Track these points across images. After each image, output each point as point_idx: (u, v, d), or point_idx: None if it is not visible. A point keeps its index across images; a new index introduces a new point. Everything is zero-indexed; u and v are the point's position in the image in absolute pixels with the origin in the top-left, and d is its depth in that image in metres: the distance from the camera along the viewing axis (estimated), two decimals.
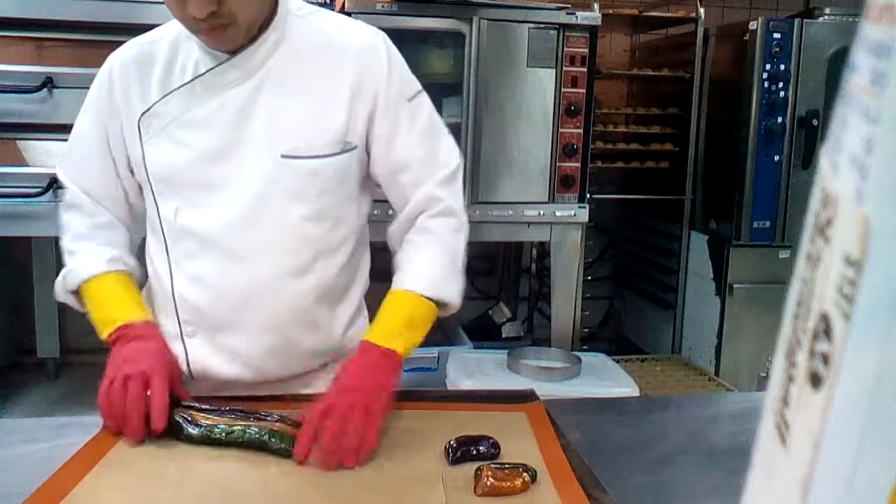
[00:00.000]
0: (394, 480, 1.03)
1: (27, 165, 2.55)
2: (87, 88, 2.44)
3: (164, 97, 1.21)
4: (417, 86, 1.28)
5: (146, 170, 1.24)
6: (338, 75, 1.21)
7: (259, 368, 1.28)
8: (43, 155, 2.57)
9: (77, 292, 1.26)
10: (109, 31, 2.48)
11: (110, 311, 1.22)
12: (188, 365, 1.28)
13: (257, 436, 1.08)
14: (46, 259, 3.22)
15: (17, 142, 2.55)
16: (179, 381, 1.20)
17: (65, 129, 2.49)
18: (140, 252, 1.35)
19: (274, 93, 1.19)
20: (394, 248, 1.32)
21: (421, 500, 0.99)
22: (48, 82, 2.43)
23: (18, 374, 3.21)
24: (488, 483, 0.97)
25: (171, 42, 1.23)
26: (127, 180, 1.29)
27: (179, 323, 1.27)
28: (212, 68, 1.19)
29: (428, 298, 1.22)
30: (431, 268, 1.25)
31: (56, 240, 3.22)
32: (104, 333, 1.20)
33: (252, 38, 1.17)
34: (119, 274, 1.26)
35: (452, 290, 1.25)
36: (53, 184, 2.47)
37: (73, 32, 2.51)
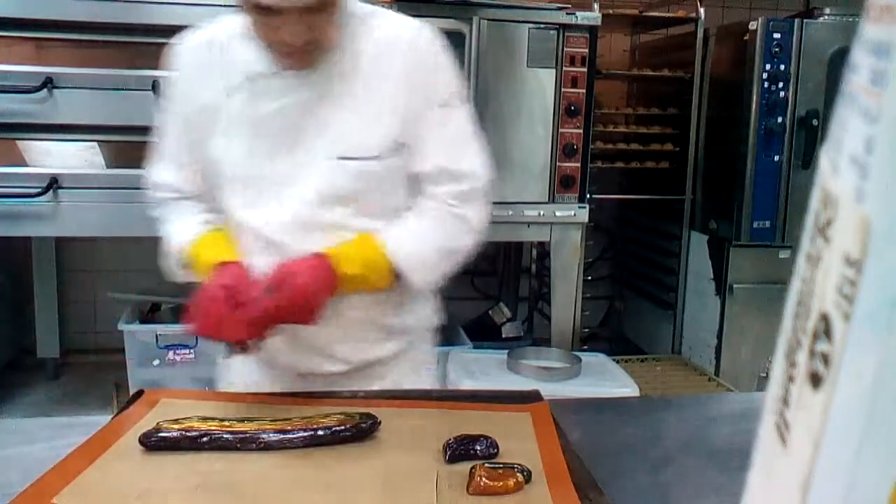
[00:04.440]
0: (388, 475, 1.04)
1: (27, 165, 2.55)
2: (88, 88, 2.46)
3: (228, 95, 1.24)
4: (459, 91, 1.29)
5: (209, 163, 1.29)
6: (391, 75, 1.23)
7: (333, 357, 1.32)
8: (43, 155, 2.57)
9: (189, 266, 1.30)
10: (109, 31, 2.48)
11: (203, 261, 1.26)
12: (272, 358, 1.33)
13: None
14: (46, 259, 3.23)
15: (17, 142, 2.55)
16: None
17: (65, 129, 2.52)
18: None
19: (332, 98, 1.22)
20: None
21: (412, 497, 0.99)
22: (48, 82, 2.43)
23: (18, 374, 3.20)
24: (481, 483, 0.97)
25: (228, 37, 1.26)
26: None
27: None
28: (275, 72, 1.22)
29: (396, 267, 1.24)
30: (419, 248, 1.26)
31: (56, 240, 3.20)
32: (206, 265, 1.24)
33: None
34: (209, 232, 1.30)
35: (420, 278, 1.27)
36: (53, 183, 2.47)
37: (73, 32, 2.50)
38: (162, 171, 1.36)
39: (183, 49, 1.30)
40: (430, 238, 1.27)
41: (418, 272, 1.26)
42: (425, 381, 1.44)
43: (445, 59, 1.27)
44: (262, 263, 1.25)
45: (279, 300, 1.14)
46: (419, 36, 1.25)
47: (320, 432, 1.11)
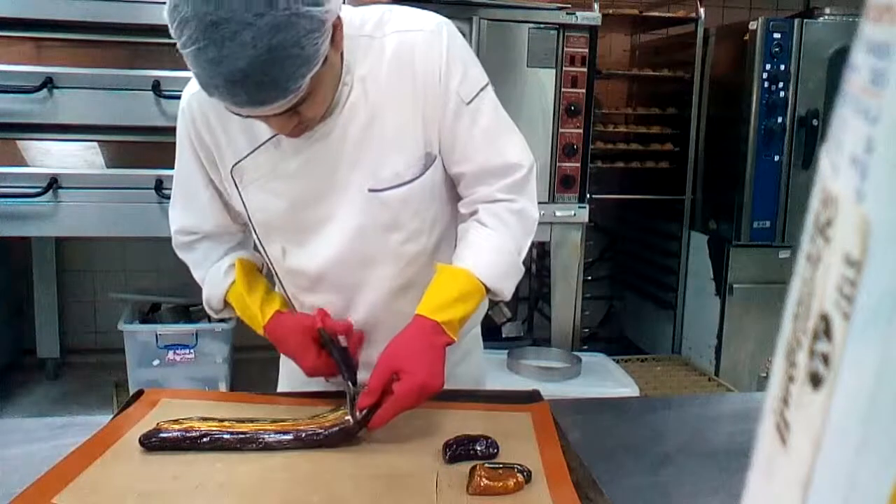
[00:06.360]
0: (388, 476, 1.04)
1: (27, 165, 2.55)
2: (88, 88, 2.46)
3: (251, 153, 1.21)
4: (480, 82, 1.22)
5: (248, 214, 1.28)
6: (407, 92, 1.18)
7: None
8: (43, 155, 2.57)
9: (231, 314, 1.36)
10: (109, 31, 2.48)
11: (249, 319, 1.30)
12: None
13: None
14: (46, 259, 3.23)
15: (17, 142, 2.55)
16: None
17: (65, 129, 2.52)
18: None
19: (354, 133, 1.18)
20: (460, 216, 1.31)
21: (412, 497, 0.99)
22: (48, 82, 2.43)
23: (18, 374, 3.20)
24: (481, 483, 0.97)
25: None
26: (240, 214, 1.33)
27: None
28: None
29: (484, 285, 1.20)
30: (497, 257, 1.21)
31: (56, 239, 3.20)
32: (259, 332, 1.30)
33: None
34: (235, 284, 1.30)
35: (509, 285, 1.23)
36: (53, 183, 2.47)
37: (73, 32, 2.50)
38: (179, 217, 1.35)
39: (195, 103, 1.23)
40: (505, 246, 1.23)
41: (505, 282, 1.22)
42: (475, 364, 1.48)
43: (462, 54, 1.20)
44: (322, 298, 1.27)
45: (403, 397, 1.11)
46: (431, 41, 1.17)
47: (319, 431, 1.11)
